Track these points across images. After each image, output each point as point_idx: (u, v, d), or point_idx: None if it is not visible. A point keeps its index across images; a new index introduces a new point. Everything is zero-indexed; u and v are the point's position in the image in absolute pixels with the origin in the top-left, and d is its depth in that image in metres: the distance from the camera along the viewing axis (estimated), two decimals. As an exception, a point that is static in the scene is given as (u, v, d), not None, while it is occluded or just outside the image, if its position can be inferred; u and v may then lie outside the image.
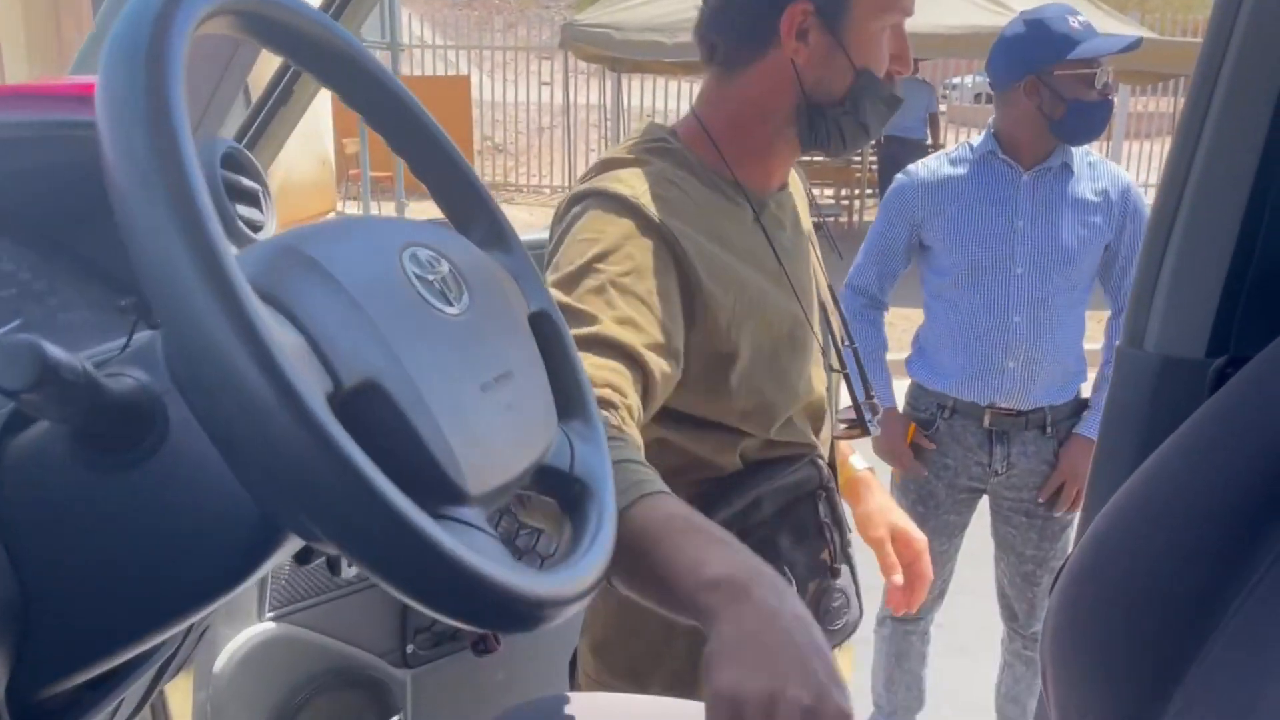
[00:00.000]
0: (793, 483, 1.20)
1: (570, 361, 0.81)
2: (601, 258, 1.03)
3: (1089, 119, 2.10)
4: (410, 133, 0.78)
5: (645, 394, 0.99)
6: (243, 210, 0.89)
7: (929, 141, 10.27)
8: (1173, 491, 0.78)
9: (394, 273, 0.62)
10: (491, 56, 16.19)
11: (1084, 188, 2.18)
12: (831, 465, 1.31)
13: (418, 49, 16.45)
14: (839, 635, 1.26)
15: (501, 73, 15.61)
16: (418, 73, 16.50)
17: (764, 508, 1.17)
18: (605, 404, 0.91)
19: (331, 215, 10.76)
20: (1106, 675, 0.75)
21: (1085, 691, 0.78)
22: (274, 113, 1.27)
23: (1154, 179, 14.68)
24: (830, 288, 1.39)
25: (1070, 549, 0.98)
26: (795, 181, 1.37)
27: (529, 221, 12.40)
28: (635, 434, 0.93)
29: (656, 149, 1.16)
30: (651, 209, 1.07)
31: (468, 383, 0.63)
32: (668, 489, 0.83)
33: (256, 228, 0.90)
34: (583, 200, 1.11)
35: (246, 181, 0.90)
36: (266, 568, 0.64)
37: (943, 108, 18.03)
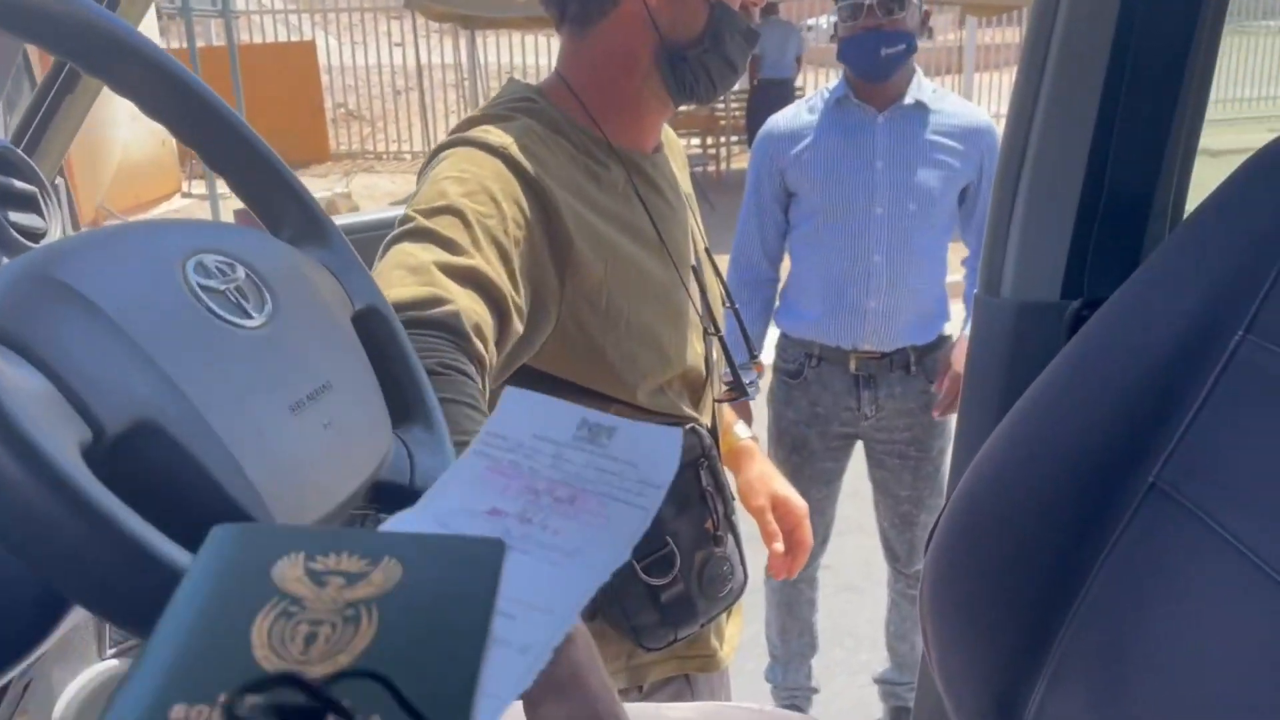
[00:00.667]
0: None
1: (405, 360, 0.74)
2: (469, 196, 0.99)
3: (859, 51, 2.12)
4: (199, 121, 0.68)
5: (499, 350, 0.96)
6: (18, 217, 0.78)
7: (800, 83, 10.37)
8: (1033, 446, 0.77)
9: (173, 288, 0.54)
10: (337, 19, 15.55)
11: (941, 126, 2.19)
12: (714, 433, 1.29)
13: (256, 15, 15.68)
14: (725, 601, 1.24)
15: (349, 35, 15.02)
16: (259, 40, 15.75)
17: None
18: (470, 344, 0.88)
19: (176, 197, 10.22)
20: (980, 639, 0.74)
21: (962, 655, 0.77)
22: (57, 104, 1.13)
23: (1004, 109, 15.09)
24: (708, 250, 1.36)
25: (945, 491, 0.98)
26: (673, 143, 1.34)
27: (392, 190, 12.03)
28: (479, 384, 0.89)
29: (522, 107, 1.12)
30: (523, 159, 1.04)
31: (273, 404, 0.56)
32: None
33: (36, 235, 0.80)
34: (448, 149, 1.06)
35: (20, 184, 0.79)
36: (59, 632, 0.56)
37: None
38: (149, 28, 6.85)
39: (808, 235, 2.27)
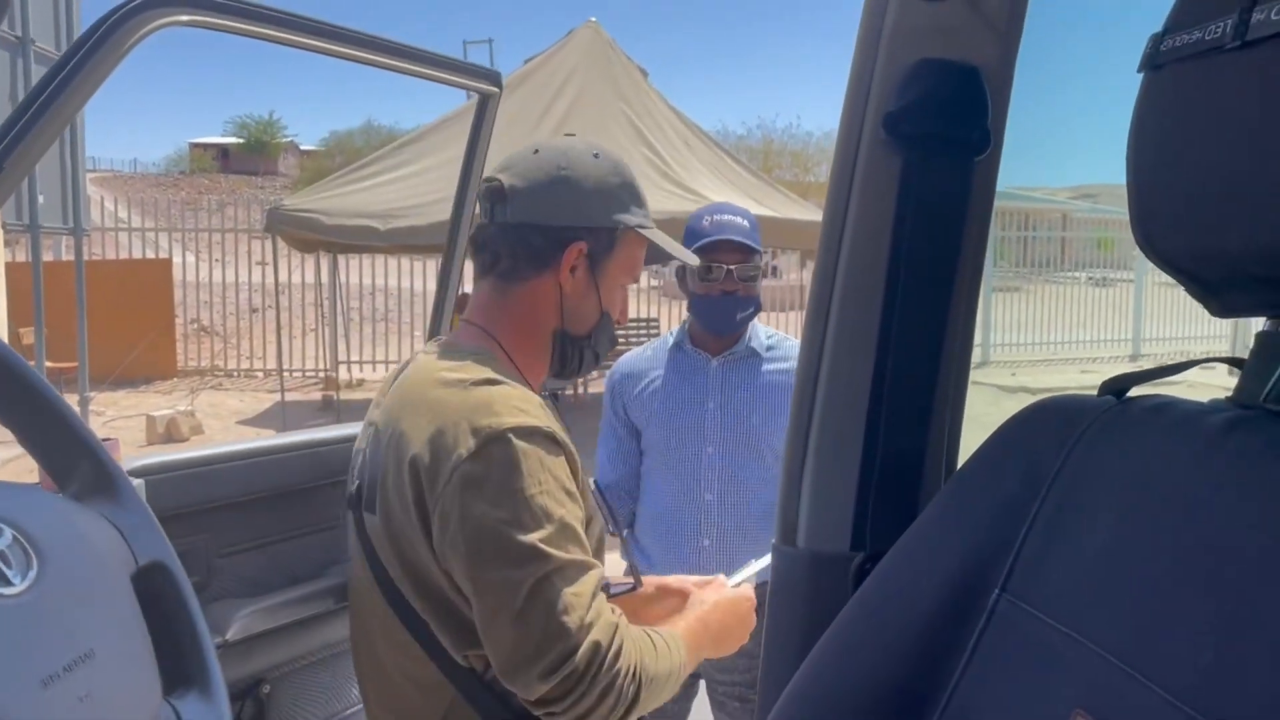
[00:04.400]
0: None
1: (189, 622, 0.71)
2: (560, 504, 1.17)
3: (713, 312, 2.22)
4: None
5: None
6: None
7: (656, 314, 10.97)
8: (827, 694, 0.80)
9: None
10: (197, 238, 15.57)
11: (772, 370, 2.31)
12: None
13: (123, 232, 15.56)
14: None
15: (209, 253, 15.01)
16: (123, 255, 15.57)
17: None
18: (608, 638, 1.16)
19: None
20: None
21: None
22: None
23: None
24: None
25: None
26: None
27: (239, 409, 11.72)
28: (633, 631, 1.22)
29: (493, 367, 1.26)
30: (562, 435, 1.23)
31: (23, 680, 0.53)
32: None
33: None
34: (503, 439, 1.16)
35: None
36: None
37: (656, 282, 19.22)
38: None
39: (649, 469, 2.32)
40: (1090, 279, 17.57)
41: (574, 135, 1.43)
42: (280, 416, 9.14)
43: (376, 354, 14.60)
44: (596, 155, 1.35)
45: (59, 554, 0.61)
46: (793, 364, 2.32)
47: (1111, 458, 0.70)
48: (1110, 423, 0.73)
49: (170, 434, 9.50)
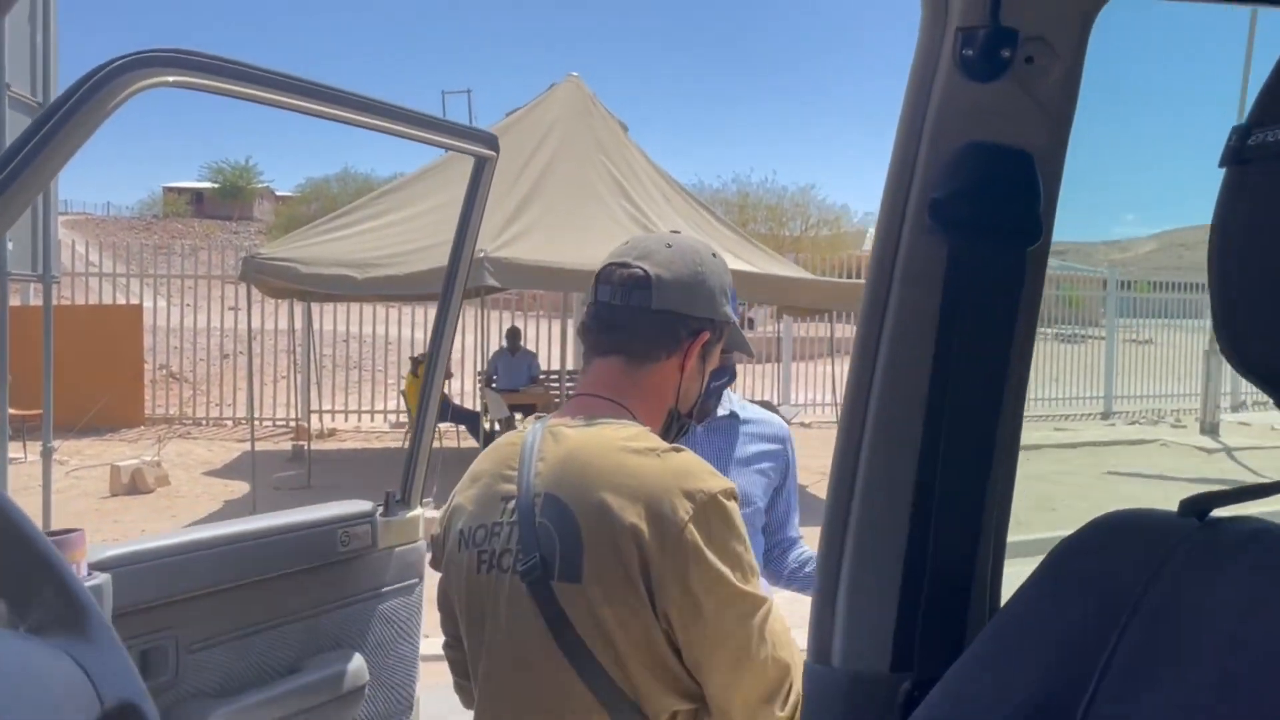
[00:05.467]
0: None
1: None
2: (751, 552, 1.32)
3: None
4: None
5: None
6: None
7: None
8: None
9: None
10: (168, 283, 15.38)
11: (751, 434, 2.27)
12: None
13: (93, 277, 15.36)
14: None
15: (181, 298, 14.84)
16: (94, 299, 15.37)
17: None
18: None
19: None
20: None
21: None
22: None
23: (818, 396, 16.35)
24: None
25: None
26: None
27: (207, 459, 11.48)
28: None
29: (655, 436, 1.37)
30: (735, 487, 1.34)
31: None
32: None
33: None
34: (716, 502, 1.29)
35: None
36: None
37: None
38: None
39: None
40: (1059, 335, 17.75)
41: (679, 232, 1.58)
42: (249, 466, 8.94)
43: (349, 403, 14.42)
44: (714, 254, 1.51)
45: (4, 703, 0.52)
46: (768, 425, 2.28)
47: (1208, 590, 0.64)
48: (1201, 550, 0.67)
49: (135, 485, 9.27)
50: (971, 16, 0.83)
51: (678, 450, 1.33)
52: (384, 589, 1.83)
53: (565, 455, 1.34)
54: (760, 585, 1.33)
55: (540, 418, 1.47)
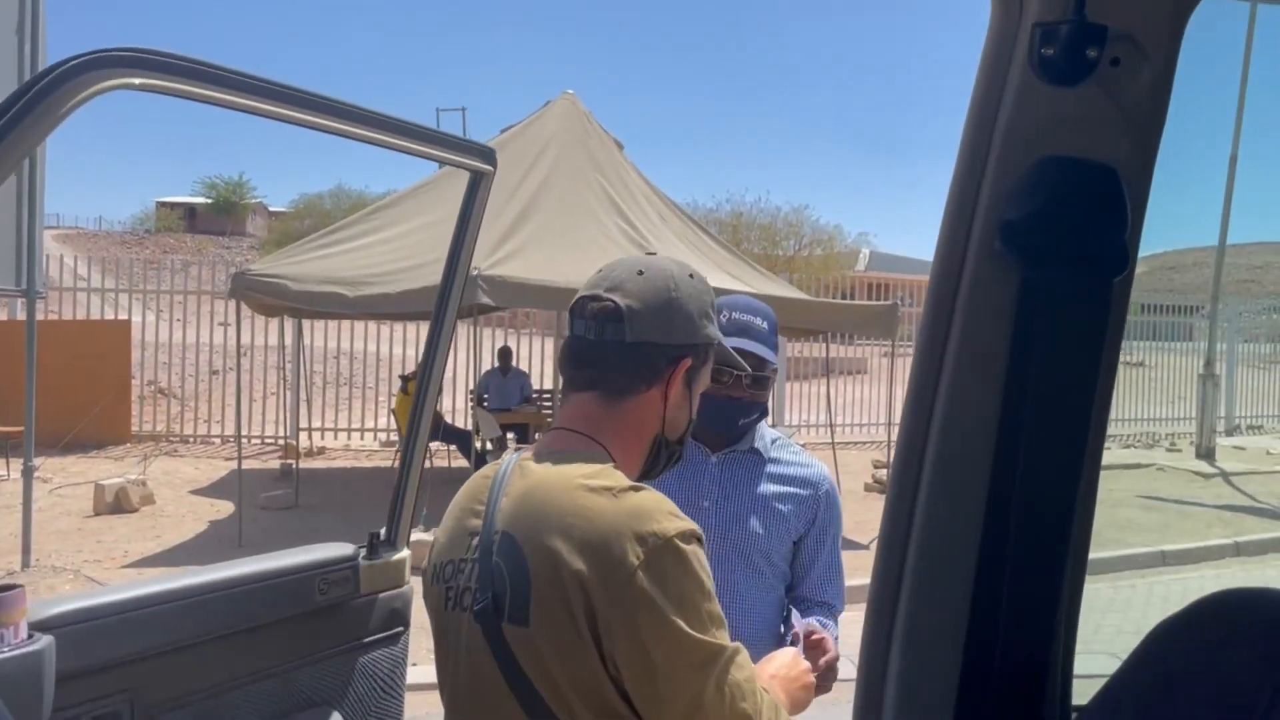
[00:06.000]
0: None
1: None
2: (713, 599, 1.25)
3: (716, 415, 2.05)
4: None
5: None
6: None
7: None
8: None
9: None
10: (158, 298, 15.19)
11: (775, 475, 2.13)
12: None
13: (82, 292, 15.18)
14: None
15: (170, 314, 14.67)
16: (80, 315, 15.20)
17: None
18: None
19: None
20: None
21: None
22: None
23: (812, 416, 16.19)
24: None
25: None
26: None
27: (193, 477, 11.28)
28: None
29: (619, 474, 1.31)
30: (699, 530, 1.28)
31: None
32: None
33: None
34: (671, 546, 1.22)
35: None
36: None
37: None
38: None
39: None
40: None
41: (655, 253, 1.56)
42: (236, 485, 8.78)
43: (339, 420, 14.23)
44: (691, 275, 1.45)
45: None
46: (799, 469, 2.14)
47: None
48: None
49: (119, 503, 9.10)
50: (1052, 10, 0.71)
51: (637, 489, 1.27)
52: (366, 639, 1.70)
53: (524, 492, 1.32)
54: (724, 635, 1.26)
55: (519, 449, 1.45)
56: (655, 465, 1.46)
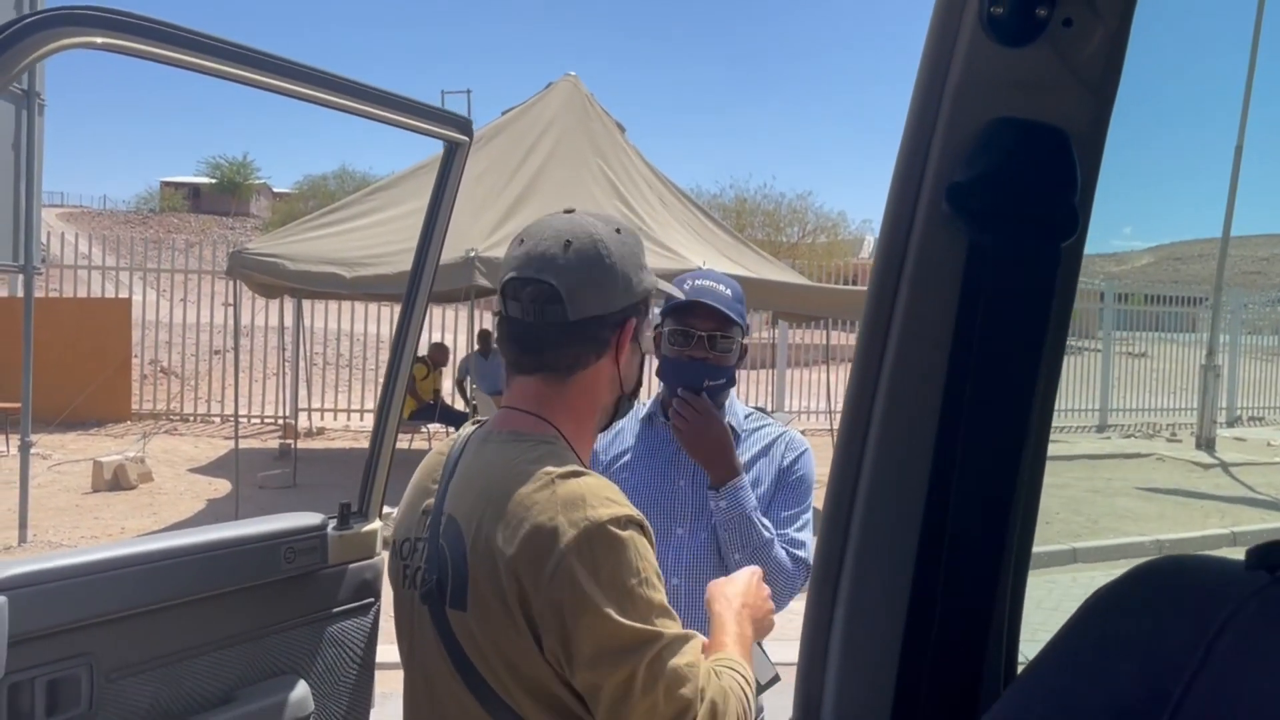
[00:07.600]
0: None
1: None
2: (655, 589, 1.22)
3: (677, 373, 2.06)
4: None
5: None
6: None
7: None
8: None
9: None
10: (159, 278, 15.20)
11: (747, 449, 2.12)
12: None
13: (84, 270, 15.18)
14: None
15: (173, 293, 14.67)
16: (83, 293, 15.21)
17: None
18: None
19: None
20: None
21: None
22: None
23: (813, 403, 16.19)
24: None
25: None
26: None
27: (193, 455, 11.31)
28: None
29: (571, 458, 1.30)
30: (643, 518, 1.26)
31: None
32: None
33: None
34: (603, 531, 1.20)
35: None
36: None
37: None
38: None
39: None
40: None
41: (574, 210, 1.42)
42: (234, 464, 8.79)
43: (339, 401, 14.25)
44: (619, 231, 1.40)
45: None
46: (774, 449, 2.13)
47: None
48: (1271, 609, 0.54)
49: (118, 480, 9.13)
50: (1001, -33, 0.70)
51: (577, 475, 1.25)
52: (335, 609, 1.69)
53: (469, 475, 1.32)
54: (672, 616, 1.24)
55: (478, 423, 1.43)
56: (616, 415, 1.46)
